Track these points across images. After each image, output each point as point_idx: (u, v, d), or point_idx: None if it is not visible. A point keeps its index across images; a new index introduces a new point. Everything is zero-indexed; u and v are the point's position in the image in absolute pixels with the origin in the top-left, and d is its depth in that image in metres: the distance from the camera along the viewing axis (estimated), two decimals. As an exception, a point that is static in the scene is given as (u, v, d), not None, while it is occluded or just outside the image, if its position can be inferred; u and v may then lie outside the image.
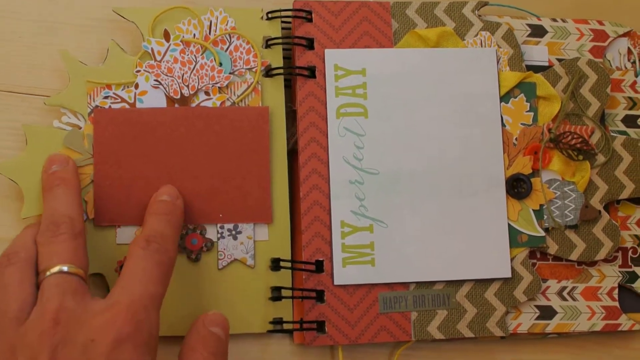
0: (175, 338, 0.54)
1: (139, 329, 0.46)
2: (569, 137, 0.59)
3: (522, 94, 0.60)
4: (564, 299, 0.59)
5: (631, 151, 0.60)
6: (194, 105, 0.57)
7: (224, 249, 0.56)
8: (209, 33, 0.58)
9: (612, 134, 0.61)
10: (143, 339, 0.46)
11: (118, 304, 0.46)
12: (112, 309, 0.46)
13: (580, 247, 0.59)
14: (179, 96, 0.57)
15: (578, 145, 0.59)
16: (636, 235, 0.61)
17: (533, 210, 0.59)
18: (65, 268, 0.48)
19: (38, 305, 0.47)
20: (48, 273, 0.48)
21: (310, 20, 0.59)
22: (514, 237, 0.58)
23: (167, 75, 0.57)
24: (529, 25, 0.61)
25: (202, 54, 0.58)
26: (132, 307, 0.46)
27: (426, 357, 0.59)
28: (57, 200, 0.51)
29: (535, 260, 0.59)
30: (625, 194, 0.60)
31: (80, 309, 0.46)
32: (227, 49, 0.58)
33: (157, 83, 0.57)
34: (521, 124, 0.59)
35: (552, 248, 0.59)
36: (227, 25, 0.58)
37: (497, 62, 0.60)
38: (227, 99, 0.58)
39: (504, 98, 0.59)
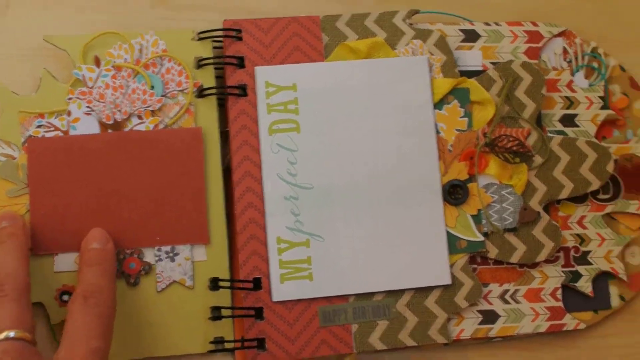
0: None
1: None
2: (505, 141, 0.59)
3: (455, 100, 0.60)
4: (507, 302, 0.59)
5: (569, 150, 0.60)
6: (127, 129, 0.58)
7: (162, 272, 0.57)
8: (140, 57, 0.59)
9: (549, 134, 0.61)
10: None
11: None
12: None
13: (521, 250, 0.59)
14: (111, 121, 0.58)
15: (514, 148, 0.59)
16: (578, 235, 0.61)
17: (471, 215, 0.59)
18: (11, 334, 0.48)
19: None
20: None
21: (240, 39, 0.59)
22: (453, 243, 0.58)
23: (99, 101, 0.58)
24: (462, 31, 0.61)
25: (133, 78, 0.58)
26: None
27: (370, 367, 0.59)
28: (1, 258, 0.51)
29: (475, 265, 0.59)
30: (564, 194, 0.60)
31: None
32: (159, 71, 0.59)
33: (90, 109, 0.57)
34: (456, 130, 0.59)
35: (492, 252, 0.59)
36: (158, 48, 0.59)
37: (430, 70, 0.60)
38: (160, 122, 0.58)
39: (438, 105, 0.59)
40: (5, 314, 0.49)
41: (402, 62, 0.59)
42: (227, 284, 0.57)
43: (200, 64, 0.58)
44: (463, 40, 0.61)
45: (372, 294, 0.58)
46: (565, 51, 0.63)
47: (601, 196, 0.61)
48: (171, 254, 0.57)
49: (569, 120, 0.62)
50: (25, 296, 0.50)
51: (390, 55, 0.59)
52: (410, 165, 0.58)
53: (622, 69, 0.63)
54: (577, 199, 0.61)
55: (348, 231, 0.58)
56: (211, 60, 0.58)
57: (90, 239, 0.54)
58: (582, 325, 0.60)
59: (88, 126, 0.57)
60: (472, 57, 0.61)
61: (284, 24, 0.59)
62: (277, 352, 0.56)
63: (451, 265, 0.58)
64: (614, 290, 0.61)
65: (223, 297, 0.57)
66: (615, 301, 0.61)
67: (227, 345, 0.57)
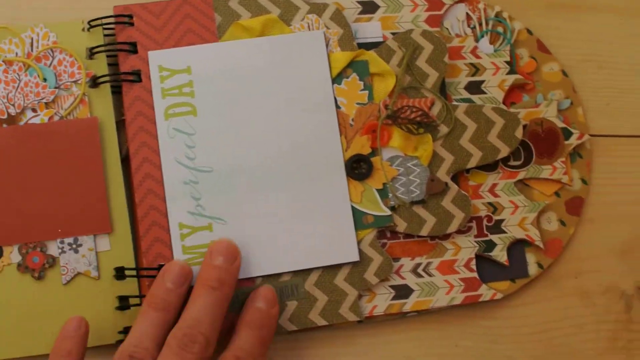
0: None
1: None
2: (408, 112, 0.58)
3: (354, 74, 0.59)
4: (420, 275, 0.58)
5: (475, 118, 0.59)
6: (22, 123, 0.57)
7: (67, 264, 0.56)
8: (32, 50, 0.58)
9: (455, 102, 0.60)
10: None
11: None
12: None
13: (431, 222, 0.58)
14: (5, 116, 0.57)
15: (418, 119, 0.58)
16: (490, 203, 0.60)
17: (376, 189, 0.58)
18: None
19: None
20: None
21: (132, 24, 0.58)
22: (359, 219, 0.57)
23: (-7, 97, 0.57)
24: (360, 3, 0.60)
25: (25, 72, 0.58)
26: None
27: (283, 349, 0.58)
28: (209, 309, 0.52)
29: (385, 240, 0.58)
30: (473, 163, 0.59)
31: None
32: (51, 64, 0.58)
33: (-16, 105, 0.57)
34: (357, 103, 0.58)
35: (401, 226, 0.58)
36: (48, 40, 0.58)
37: (327, 44, 0.58)
38: (55, 114, 0.57)
39: (337, 79, 0.58)
40: None
41: (297, 38, 0.58)
42: (133, 272, 0.56)
43: (92, 52, 0.58)
44: (361, 12, 0.60)
45: (279, 274, 0.57)
46: (468, 17, 0.61)
47: (512, 163, 0.60)
48: (74, 246, 0.57)
49: (475, 87, 0.60)
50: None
51: (285, 32, 0.59)
52: (312, 142, 0.57)
53: (529, 32, 0.62)
54: (488, 167, 0.60)
55: (252, 213, 0.57)
56: (102, 48, 0.57)
57: (257, 297, 0.54)
58: (499, 295, 0.59)
59: (-17, 122, 0.57)
60: (371, 29, 0.60)
61: (176, 6, 0.58)
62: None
63: (359, 242, 0.57)
64: (531, 258, 0.60)
65: (130, 286, 0.57)
66: (532, 269, 0.60)
67: (135, 334, 0.56)
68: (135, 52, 0.58)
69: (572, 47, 0.63)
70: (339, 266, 0.57)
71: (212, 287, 0.52)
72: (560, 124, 0.61)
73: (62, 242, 0.57)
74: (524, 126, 0.60)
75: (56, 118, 0.57)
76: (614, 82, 0.63)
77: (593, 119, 0.63)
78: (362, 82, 0.59)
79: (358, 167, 0.58)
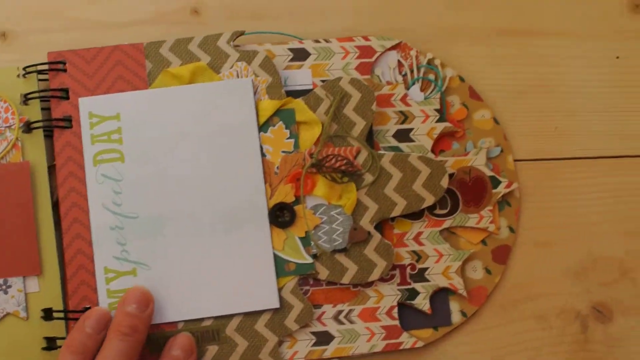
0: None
1: None
2: (332, 160, 0.59)
3: (281, 122, 0.59)
4: (341, 322, 0.59)
5: (401, 167, 0.59)
6: (-43, 166, 0.59)
7: (-4, 304, 0.58)
8: (-32, 95, 0.60)
9: (382, 151, 0.60)
10: None
11: None
12: None
13: (352, 270, 0.59)
14: (-59, 159, 0.59)
15: (342, 168, 0.59)
16: (414, 251, 0.60)
17: (299, 237, 0.58)
18: None
19: None
20: None
21: (65, 70, 0.59)
22: (282, 266, 0.58)
23: None
24: (291, 50, 0.61)
25: (-38, 115, 0.59)
26: None
27: (205, 392, 0.59)
28: (114, 357, 0.54)
29: (308, 287, 0.59)
30: (397, 211, 0.59)
31: None
32: (-14, 109, 0.60)
33: None
34: (282, 151, 0.59)
35: (323, 273, 0.59)
36: (-18, 85, 0.60)
37: (255, 92, 0.59)
38: (-11, 157, 0.59)
39: (263, 127, 0.59)
40: None
41: (225, 85, 0.59)
42: (61, 314, 0.58)
43: (26, 98, 0.59)
44: (292, 60, 0.60)
45: (201, 319, 0.58)
46: (400, 64, 0.61)
47: (438, 211, 0.60)
48: (4, 287, 0.58)
49: (403, 135, 0.61)
50: None
51: (214, 79, 0.59)
52: (236, 189, 0.58)
53: (462, 79, 0.62)
54: (414, 215, 0.60)
55: (175, 258, 0.58)
56: (36, 95, 0.59)
57: (174, 345, 0.56)
58: (420, 343, 0.59)
59: None
60: (302, 76, 0.60)
61: (107, 53, 0.59)
62: (105, 380, 0.57)
63: (280, 289, 0.58)
64: (454, 306, 0.60)
65: (58, 327, 0.58)
66: (456, 317, 0.60)
67: (62, 376, 0.58)
68: (67, 98, 0.59)
69: (520, 71, 0.63)
70: (259, 312, 0.58)
71: (124, 334, 0.53)
72: (489, 172, 0.61)
73: (-7, 283, 0.58)
74: (451, 175, 0.60)
75: (-10, 162, 0.59)
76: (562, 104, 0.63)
77: (544, 142, 0.63)
78: (288, 131, 0.59)
79: (281, 215, 0.59)
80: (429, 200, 0.59)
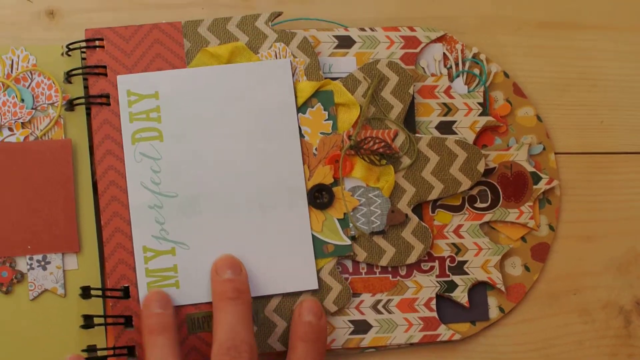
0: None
1: None
2: (371, 142, 0.59)
3: (319, 103, 0.59)
4: (379, 312, 0.59)
5: (438, 151, 0.59)
6: (-3, 141, 0.59)
7: (34, 280, 0.59)
8: (11, 71, 0.60)
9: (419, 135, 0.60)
10: None
11: None
12: None
13: (390, 252, 0.59)
14: (-20, 135, 0.59)
15: (380, 150, 0.59)
16: (454, 244, 0.60)
17: (337, 219, 0.59)
18: None
19: None
20: None
21: (103, 47, 0.59)
22: (320, 248, 0.58)
23: (-31, 116, 0.59)
24: (336, 37, 0.60)
25: (4, 91, 0.59)
26: None
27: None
28: (234, 322, 0.54)
29: (347, 275, 0.59)
30: (434, 195, 0.59)
31: None
32: (29, 85, 0.60)
33: (-41, 128, 0.59)
34: (320, 133, 0.59)
35: (361, 255, 0.59)
36: (28, 63, 0.60)
37: (293, 73, 0.59)
38: (31, 134, 0.59)
39: (302, 109, 0.59)
40: None
41: (263, 66, 0.59)
42: (99, 292, 0.58)
43: (68, 76, 0.59)
44: (337, 47, 0.60)
45: (239, 299, 0.58)
46: (445, 57, 0.61)
47: (479, 205, 0.60)
48: (43, 263, 0.59)
49: (446, 127, 0.60)
50: None
51: (253, 60, 0.59)
52: (275, 170, 0.58)
53: (506, 75, 0.62)
54: (454, 207, 0.60)
55: (214, 238, 0.58)
56: (79, 71, 0.59)
57: (304, 310, 0.56)
58: (457, 337, 0.59)
59: (-41, 139, 0.59)
60: (346, 64, 0.60)
61: (145, 31, 0.59)
62: None
63: (319, 270, 0.58)
64: (492, 302, 0.60)
65: (95, 305, 0.59)
66: (493, 312, 0.60)
67: (100, 353, 0.58)
68: (105, 74, 0.59)
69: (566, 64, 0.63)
70: (298, 293, 0.58)
71: (231, 299, 0.54)
72: (530, 168, 0.61)
73: (31, 259, 0.59)
74: (493, 169, 0.60)
75: (31, 138, 0.59)
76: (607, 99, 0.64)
77: (589, 136, 0.63)
78: (326, 112, 0.59)
79: (320, 197, 0.59)
80: (466, 184, 0.59)
